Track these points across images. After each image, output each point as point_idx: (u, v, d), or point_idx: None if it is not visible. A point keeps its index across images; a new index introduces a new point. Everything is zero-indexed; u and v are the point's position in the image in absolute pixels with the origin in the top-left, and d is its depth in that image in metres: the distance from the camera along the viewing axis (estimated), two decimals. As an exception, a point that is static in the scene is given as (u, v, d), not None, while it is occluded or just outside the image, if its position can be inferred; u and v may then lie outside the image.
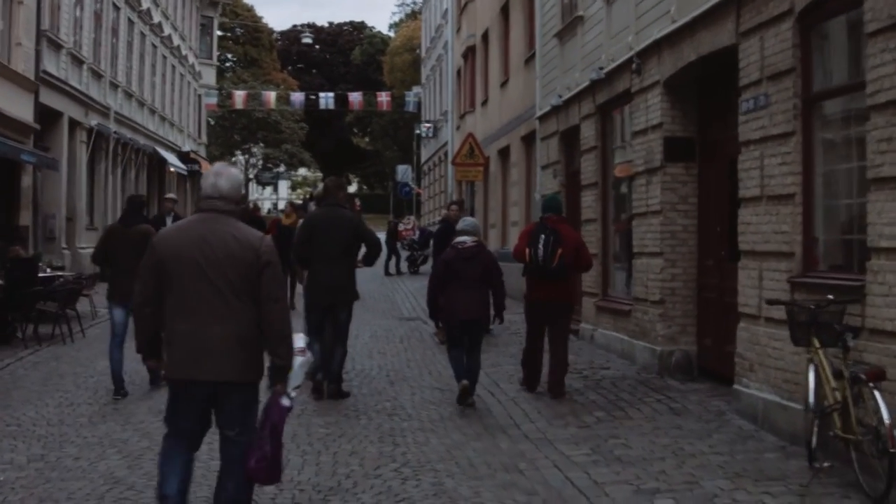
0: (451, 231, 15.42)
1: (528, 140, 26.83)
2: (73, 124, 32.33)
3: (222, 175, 7.10)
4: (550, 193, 18.95)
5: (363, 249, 14.15)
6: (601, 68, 17.66)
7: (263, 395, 7.13)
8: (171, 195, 21.93)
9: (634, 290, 16.21)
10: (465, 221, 14.08)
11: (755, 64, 11.76)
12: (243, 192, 7.54)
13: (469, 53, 38.81)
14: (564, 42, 21.10)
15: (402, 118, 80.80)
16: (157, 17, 44.40)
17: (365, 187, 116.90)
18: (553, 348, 13.95)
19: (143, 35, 42.18)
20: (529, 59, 25.97)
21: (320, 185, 16.90)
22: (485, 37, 35.06)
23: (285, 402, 7.00)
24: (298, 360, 7.22)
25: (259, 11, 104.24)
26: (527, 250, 13.72)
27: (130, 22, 39.80)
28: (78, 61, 32.30)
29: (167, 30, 47.18)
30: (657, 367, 14.96)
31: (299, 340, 7.47)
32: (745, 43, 12.08)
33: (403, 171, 63.24)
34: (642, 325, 15.76)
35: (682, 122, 15.09)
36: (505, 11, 30.56)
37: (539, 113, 23.38)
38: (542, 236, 13.63)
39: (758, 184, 11.65)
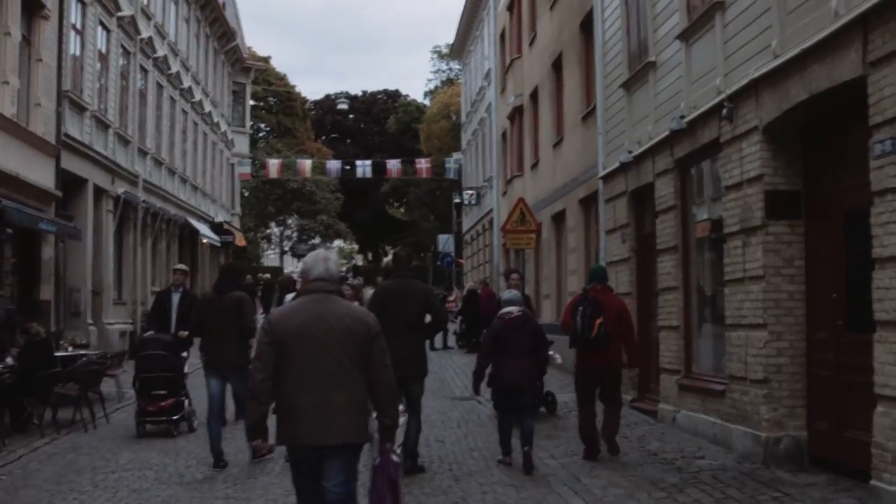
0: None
1: (588, 203, 25.00)
2: (99, 192, 30.64)
3: (330, 259, 7.95)
4: (596, 264, 19.23)
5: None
6: (682, 117, 15.82)
7: None
8: (181, 266, 20.38)
9: (730, 366, 14.21)
10: (510, 293, 14.88)
11: (892, 98, 9.87)
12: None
13: (516, 114, 37.12)
14: (633, 92, 19.27)
15: (440, 187, 79.28)
16: (187, 82, 42.95)
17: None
18: (605, 410, 14.49)
19: (172, 100, 40.69)
20: (588, 115, 24.21)
21: (386, 258, 16.19)
22: (534, 95, 33.41)
23: (395, 458, 7.88)
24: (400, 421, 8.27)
25: (292, 81, 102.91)
26: (569, 322, 14.35)
27: (159, 86, 38.30)
28: (103, 125, 30.68)
29: (198, 95, 45.75)
30: (762, 457, 12.95)
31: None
32: (875, 74, 10.24)
33: (444, 241, 61.57)
34: (741, 407, 13.75)
35: (786, 174, 13.20)
36: (557, 66, 28.83)
37: (603, 172, 21.50)
38: (581, 308, 14.23)
39: (902, 240, 9.73)
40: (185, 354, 17.59)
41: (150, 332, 18.83)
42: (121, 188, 32.46)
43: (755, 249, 13.33)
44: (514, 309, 13.93)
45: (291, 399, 7.41)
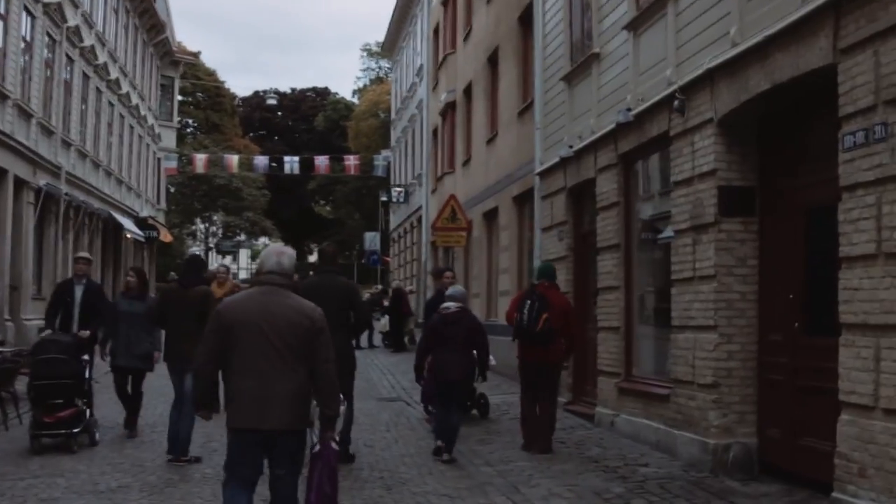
0: (441, 299, 15.61)
1: (522, 200, 24.33)
2: (20, 184, 29.30)
3: (284, 254, 8.26)
4: (545, 262, 18.60)
5: None
6: (629, 110, 15.13)
7: None
8: (83, 254, 17.99)
9: (675, 370, 13.55)
10: (454, 289, 15.22)
11: (866, 87, 9.25)
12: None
13: (448, 111, 36.42)
14: (574, 85, 18.60)
15: (366, 186, 78.80)
16: (114, 73, 41.65)
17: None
18: (541, 406, 14.69)
19: (98, 91, 39.44)
20: (525, 110, 23.54)
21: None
22: (467, 91, 32.79)
23: (335, 446, 8.21)
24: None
25: (222, 78, 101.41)
26: (515, 315, 14.70)
27: (85, 76, 37.04)
28: (26, 115, 29.40)
29: (125, 87, 44.45)
30: (710, 464, 12.30)
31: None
32: (847, 61, 9.59)
33: (371, 239, 60.78)
34: (687, 412, 13.10)
35: (740, 169, 12.56)
36: (493, 61, 28.17)
37: (540, 168, 20.80)
38: (528, 302, 14.59)
39: (872, 238, 9.12)
40: (86, 357, 15.36)
41: (47, 332, 16.11)
42: (42, 180, 31.19)
43: (706, 248, 12.68)
44: (452, 304, 14.37)
45: (236, 384, 7.80)
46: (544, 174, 20.47)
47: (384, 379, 24.88)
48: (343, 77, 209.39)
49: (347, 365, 13.11)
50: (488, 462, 13.64)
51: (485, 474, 12.83)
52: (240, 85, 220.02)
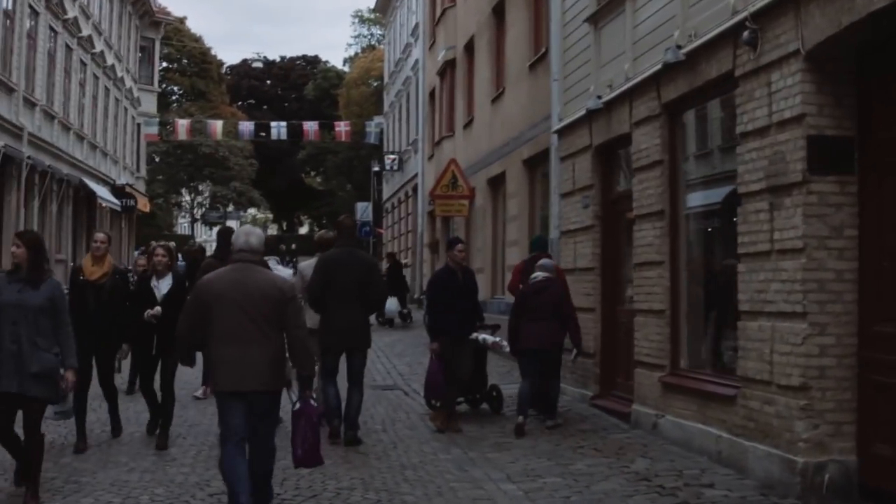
0: (452, 277, 14.61)
1: (534, 163, 21.81)
2: (-30, 144, 26.40)
3: (252, 234, 9.09)
4: (538, 234, 19.11)
5: None
6: (678, 47, 12.45)
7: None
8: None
9: (744, 366, 10.92)
10: (545, 261, 15.14)
11: None
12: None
13: (447, 69, 33.81)
14: (602, 26, 15.91)
15: (358, 155, 76.31)
16: (87, 30, 38.95)
17: (317, 228, 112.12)
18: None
19: (68, 48, 36.71)
20: (538, 62, 20.98)
21: (320, 231, 16.24)
22: (468, 47, 30.18)
23: (313, 402, 9.27)
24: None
25: (212, 51, 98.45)
26: (521, 287, 15.15)
27: (53, 31, 34.29)
28: (-24, 69, 26.40)
29: (99, 46, 41.68)
30: (798, 488, 9.69)
31: None
32: None
33: (363, 210, 58.03)
34: (761, 419, 10.48)
35: (835, 115, 9.90)
36: (499, 11, 25.53)
37: (558, 125, 18.10)
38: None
39: None
40: None
41: None
42: (0, 141, 28.50)
43: (790, 214, 10.03)
44: (541, 274, 14.41)
45: (217, 352, 8.63)
46: (564, 132, 17.77)
47: (378, 362, 22.11)
48: (336, 49, 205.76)
49: (363, 342, 13.39)
50: (510, 477, 11.10)
51: (509, 496, 10.27)
52: (231, 56, 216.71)
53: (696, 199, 13.40)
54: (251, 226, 10.38)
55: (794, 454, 9.80)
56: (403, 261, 39.61)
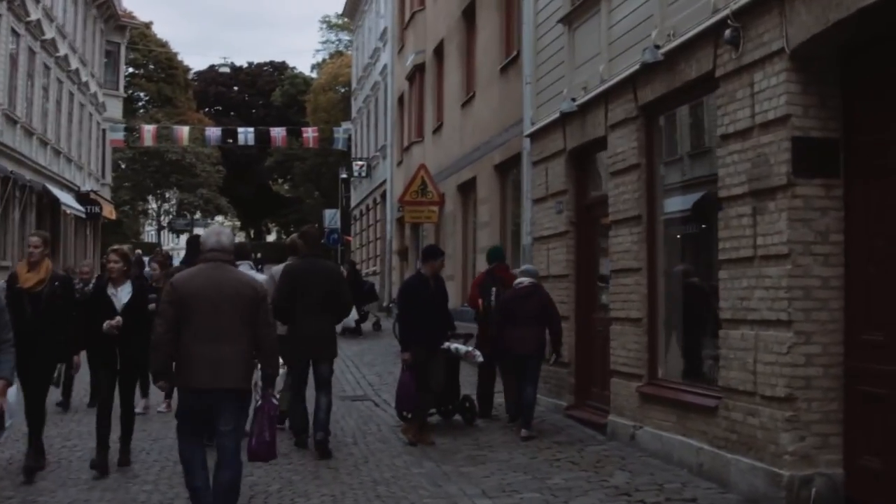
0: (424, 285, 14.32)
1: (506, 168, 21.47)
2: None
3: (223, 234, 9.23)
4: (494, 246, 18.93)
5: None
6: (657, 47, 12.11)
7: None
8: None
9: (726, 375, 10.58)
10: (527, 266, 15.74)
11: None
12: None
13: (416, 74, 33.42)
14: (576, 27, 15.56)
15: (326, 162, 75.84)
16: (50, 33, 38.31)
17: (285, 236, 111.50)
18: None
19: (31, 51, 36.06)
20: (510, 65, 20.63)
21: (291, 236, 15.68)
22: (438, 51, 29.84)
23: (274, 401, 9.22)
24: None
25: (179, 57, 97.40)
26: (479, 301, 15.62)
27: (15, 33, 33.66)
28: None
29: (63, 50, 41.01)
30: (784, 502, 9.34)
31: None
32: None
33: (331, 217, 57.41)
34: (745, 431, 10.13)
35: (820, 116, 9.58)
36: (469, 13, 25.24)
37: (531, 129, 17.74)
38: (494, 288, 15.42)
39: None
40: None
41: None
42: (-43, 146, 27.76)
43: (775, 218, 9.69)
44: (525, 280, 14.50)
45: (188, 350, 8.59)
46: (537, 135, 17.41)
47: (347, 372, 21.66)
48: (303, 55, 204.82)
49: (329, 352, 13.30)
50: (485, 492, 10.71)
51: (485, 513, 9.88)
52: (197, 63, 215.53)
53: (674, 204, 13.08)
54: (220, 226, 10.06)
55: (780, 467, 9.45)
56: (371, 269, 39.22)
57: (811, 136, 9.52)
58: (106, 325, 11.51)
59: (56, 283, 11.63)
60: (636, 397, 12.91)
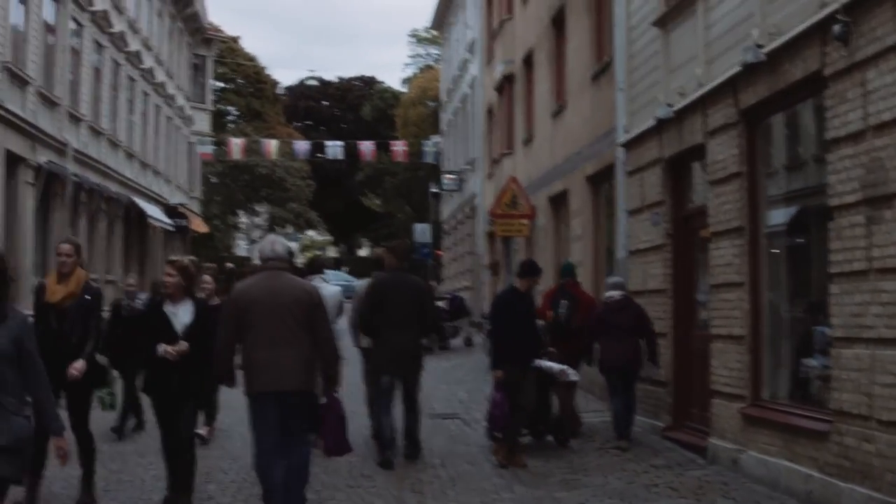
0: (517, 300, 14.09)
1: (599, 180, 20.71)
2: (14, 160, 25.45)
3: (276, 242, 9.56)
4: (567, 261, 19.11)
5: None
6: (759, 46, 11.41)
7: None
8: None
9: (838, 398, 9.85)
10: (614, 278, 15.58)
11: None
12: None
13: (505, 85, 32.75)
14: (671, 29, 14.91)
15: (416, 177, 75.61)
16: (135, 45, 38.12)
17: (375, 250, 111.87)
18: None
19: (116, 63, 35.91)
20: (601, 72, 19.87)
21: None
22: (527, 60, 29.09)
23: (336, 396, 9.70)
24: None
25: (267, 72, 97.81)
26: (549, 312, 15.65)
27: (98, 45, 33.44)
28: (20, 80, 25.51)
29: (148, 62, 40.89)
30: (906, 541, 8.59)
31: None
32: None
33: (421, 231, 56.96)
34: (860, 458, 9.42)
35: (946, 116, 8.84)
36: (558, 21, 24.43)
37: (625, 137, 17.09)
38: (564, 301, 15.79)
39: None
40: None
41: None
42: (43, 157, 27.52)
43: (892, 228, 8.98)
44: (616, 293, 14.68)
45: (251, 356, 9.09)
46: (631, 144, 16.74)
47: (437, 389, 21.05)
48: (392, 70, 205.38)
49: (413, 366, 13.44)
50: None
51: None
52: (285, 77, 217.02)
53: (779, 214, 12.36)
54: (274, 235, 11.27)
55: (901, 499, 8.72)
56: (463, 284, 38.82)
57: (936, 139, 8.80)
58: (161, 348, 9.81)
59: (87, 297, 10.35)
60: (739, 419, 12.19)
